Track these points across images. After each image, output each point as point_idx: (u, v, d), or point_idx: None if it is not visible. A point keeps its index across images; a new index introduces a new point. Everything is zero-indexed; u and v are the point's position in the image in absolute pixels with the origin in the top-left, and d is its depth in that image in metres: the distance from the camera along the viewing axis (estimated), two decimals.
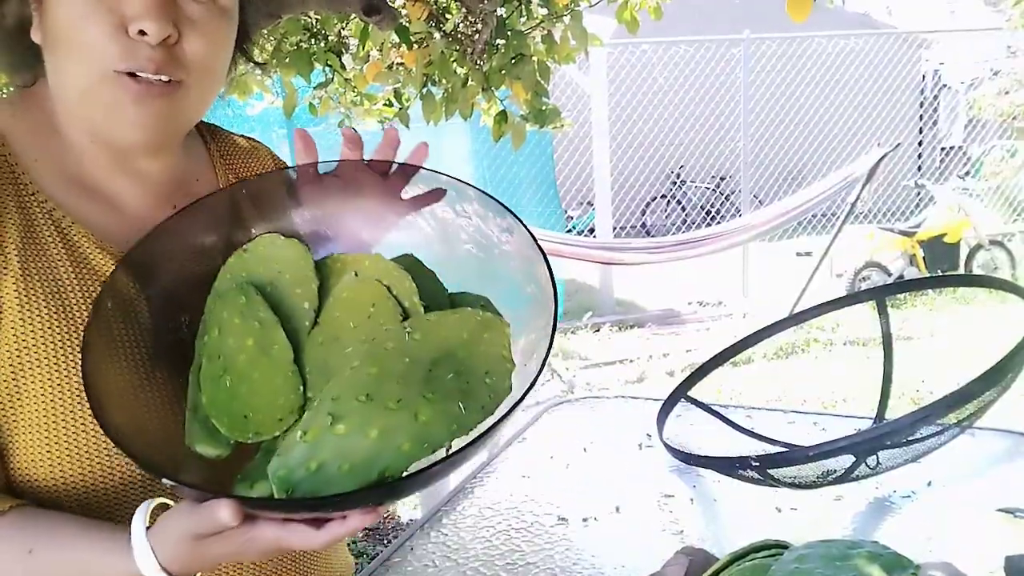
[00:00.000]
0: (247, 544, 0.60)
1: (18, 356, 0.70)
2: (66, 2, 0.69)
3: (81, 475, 0.73)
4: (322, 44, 2.26)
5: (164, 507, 0.64)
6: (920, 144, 11.14)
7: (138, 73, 0.70)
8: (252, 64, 0.93)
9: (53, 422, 0.71)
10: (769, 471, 1.01)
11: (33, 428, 0.71)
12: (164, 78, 0.71)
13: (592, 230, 7.13)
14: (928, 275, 5.98)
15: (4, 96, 0.80)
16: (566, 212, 9.14)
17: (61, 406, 0.71)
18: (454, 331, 0.71)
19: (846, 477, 1.04)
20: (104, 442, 0.73)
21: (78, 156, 0.77)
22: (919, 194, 7.59)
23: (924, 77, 10.91)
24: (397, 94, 2.41)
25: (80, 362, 0.66)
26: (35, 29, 0.73)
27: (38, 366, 0.70)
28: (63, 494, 0.73)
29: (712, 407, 1.42)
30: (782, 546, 0.75)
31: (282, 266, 0.76)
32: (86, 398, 0.63)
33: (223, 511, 0.56)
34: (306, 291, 0.75)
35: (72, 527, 0.68)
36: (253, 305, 0.73)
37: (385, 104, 2.50)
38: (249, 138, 0.96)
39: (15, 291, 0.70)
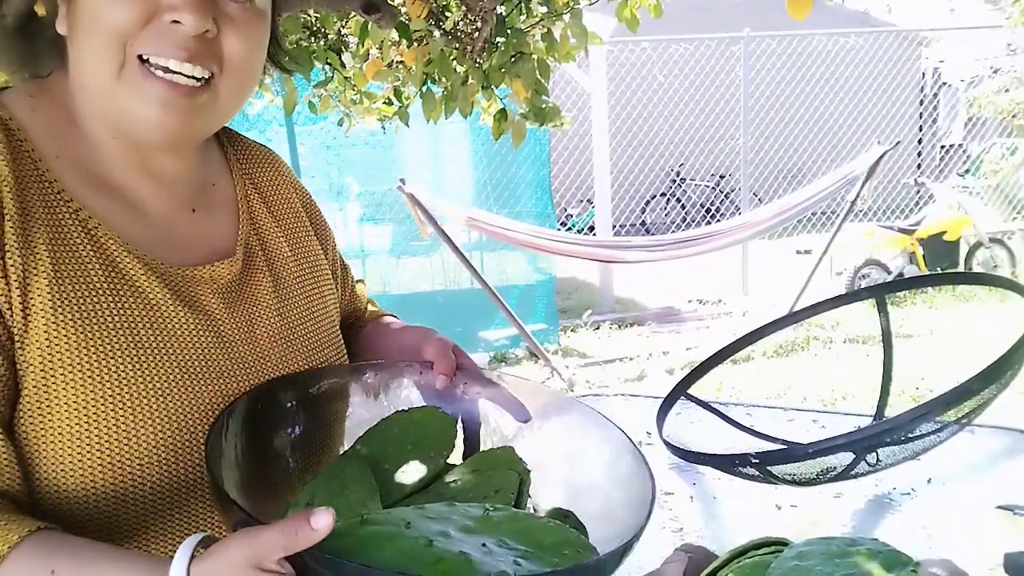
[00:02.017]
0: None
1: (49, 361, 0.67)
2: None
3: (112, 485, 0.70)
4: (322, 42, 2.26)
5: (207, 543, 0.59)
6: (920, 142, 11.14)
7: (160, 63, 0.69)
8: (280, 70, 0.93)
9: (86, 430, 0.68)
10: (769, 468, 1.01)
11: (64, 437, 0.68)
12: (198, 74, 0.71)
13: (592, 228, 7.13)
14: (928, 273, 5.98)
15: (20, 86, 0.77)
16: (566, 211, 9.15)
17: (94, 413, 0.68)
18: (536, 533, 0.69)
19: (846, 474, 1.04)
20: (137, 451, 0.70)
21: (99, 153, 0.75)
22: (919, 192, 7.60)
23: (924, 75, 10.91)
24: (397, 92, 2.41)
25: (112, 368, 0.68)
26: (60, 20, 0.72)
27: (69, 372, 0.67)
28: (93, 505, 0.70)
29: (712, 405, 1.41)
30: (782, 543, 0.75)
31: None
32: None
33: (319, 516, 0.54)
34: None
35: (99, 549, 0.63)
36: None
37: (385, 102, 2.50)
38: (263, 145, 0.96)
39: (48, 292, 0.67)
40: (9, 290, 0.66)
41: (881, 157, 4.66)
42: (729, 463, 1.08)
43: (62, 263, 0.69)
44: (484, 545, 0.63)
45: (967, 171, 8.91)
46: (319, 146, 6.13)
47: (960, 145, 10.53)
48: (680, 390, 1.36)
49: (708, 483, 1.22)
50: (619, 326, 6.05)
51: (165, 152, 0.78)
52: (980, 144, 9.27)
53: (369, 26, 1.97)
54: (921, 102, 10.72)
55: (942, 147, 11.37)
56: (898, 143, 5.09)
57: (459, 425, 0.86)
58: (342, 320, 0.98)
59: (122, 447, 0.69)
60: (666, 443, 1.23)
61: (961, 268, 6.22)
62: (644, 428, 1.43)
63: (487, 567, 0.60)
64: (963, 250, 6.33)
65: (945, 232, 6.22)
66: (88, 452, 0.68)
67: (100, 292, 0.70)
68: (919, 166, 11.09)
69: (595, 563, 0.61)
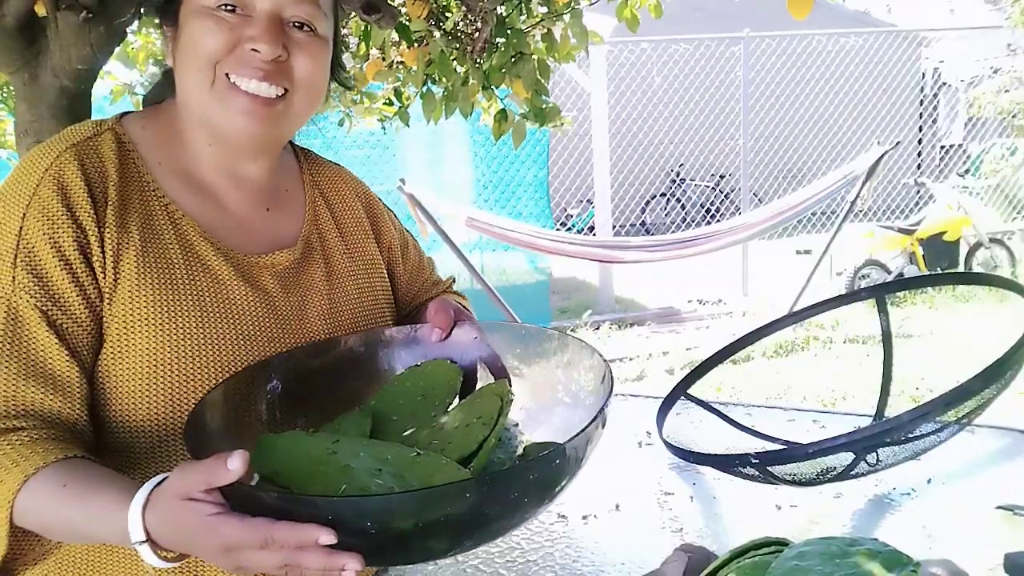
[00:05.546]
0: (209, 525, 0.65)
1: (130, 314, 0.84)
2: (197, 22, 0.86)
3: (172, 420, 0.85)
4: None
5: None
6: (920, 142, 11.14)
7: (246, 81, 0.85)
8: (340, 85, 1.10)
9: (154, 371, 0.84)
10: (769, 468, 1.01)
11: (137, 376, 0.84)
12: (273, 93, 0.87)
13: (592, 228, 7.13)
14: (928, 273, 5.98)
15: (137, 112, 0.97)
16: (566, 211, 9.15)
17: (162, 358, 0.84)
18: (432, 472, 0.76)
19: (846, 474, 1.04)
20: (194, 392, 0.85)
21: (195, 159, 0.94)
22: (919, 192, 7.59)
23: (924, 75, 10.91)
24: (397, 92, 2.41)
25: (179, 324, 0.85)
26: (168, 55, 0.92)
27: (145, 323, 0.85)
28: (155, 437, 0.85)
29: (712, 405, 1.42)
30: (782, 543, 0.75)
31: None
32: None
33: (233, 458, 0.64)
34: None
35: (107, 475, 0.75)
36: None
37: (385, 102, 2.50)
38: (336, 163, 1.13)
39: (135, 262, 0.86)
40: (104, 259, 0.85)
41: (881, 157, 4.66)
42: (729, 463, 1.09)
43: (148, 242, 0.87)
44: (378, 469, 0.74)
45: (967, 171, 8.91)
46: (319, 146, 6.13)
47: (960, 145, 10.54)
48: (680, 390, 1.36)
49: (708, 483, 1.23)
50: (619, 326, 6.06)
51: (250, 156, 0.95)
52: (980, 144, 9.26)
53: (369, 27, 1.97)
54: (921, 102, 10.71)
55: (942, 147, 11.38)
56: (898, 143, 5.08)
57: (481, 371, 0.96)
58: (412, 299, 1.16)
59: (183, 388, 0.85)
60: (666, 443, 1.23)
61: (961, 268, 6.22)
62: (644, 428, 1.43)
63: (357, 479, 0.72)
64: (963, 250, 6.33)
65: (945, 232, 6.22)
66: (155, 390, 0.84)
67: (176, 266, 0.88)
68: (919, 166, 11.09)
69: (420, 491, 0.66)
